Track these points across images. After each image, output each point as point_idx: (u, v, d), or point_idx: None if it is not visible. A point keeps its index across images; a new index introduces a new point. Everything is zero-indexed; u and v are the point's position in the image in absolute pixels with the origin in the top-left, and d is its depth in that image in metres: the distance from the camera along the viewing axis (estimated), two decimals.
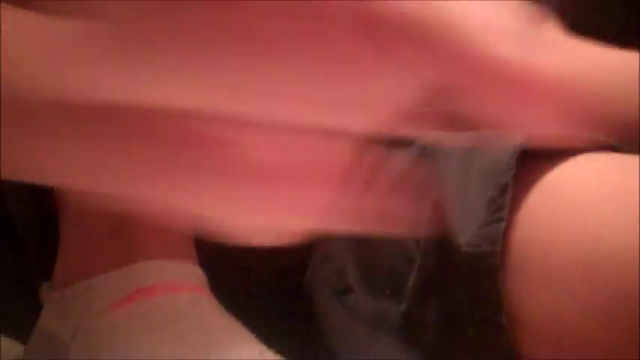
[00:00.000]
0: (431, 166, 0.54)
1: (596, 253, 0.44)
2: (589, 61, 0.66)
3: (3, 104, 0.21)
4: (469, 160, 0.52)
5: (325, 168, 0.23)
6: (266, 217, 0.24)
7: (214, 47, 0.20)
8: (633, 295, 0.42)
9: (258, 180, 0.22)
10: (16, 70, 0.21)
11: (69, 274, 0.57)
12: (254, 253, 0.62)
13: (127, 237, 0.55)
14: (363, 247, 0.58)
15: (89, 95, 0.21)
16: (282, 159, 0.22)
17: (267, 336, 0.52)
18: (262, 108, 0.21)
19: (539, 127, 0.21)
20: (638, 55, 0.62)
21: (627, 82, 0.62)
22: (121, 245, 0.55)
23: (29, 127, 0.22)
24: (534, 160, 0.49)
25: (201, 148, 0.22)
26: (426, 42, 0.20)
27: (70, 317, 0.54)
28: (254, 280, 0.62)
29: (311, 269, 0.61)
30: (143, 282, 0.54)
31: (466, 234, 0.48)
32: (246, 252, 0.62)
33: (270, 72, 0.20)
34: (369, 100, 0.21)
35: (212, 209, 0.23)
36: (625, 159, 0.48)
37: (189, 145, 0.22)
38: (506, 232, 0.47)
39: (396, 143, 0.60)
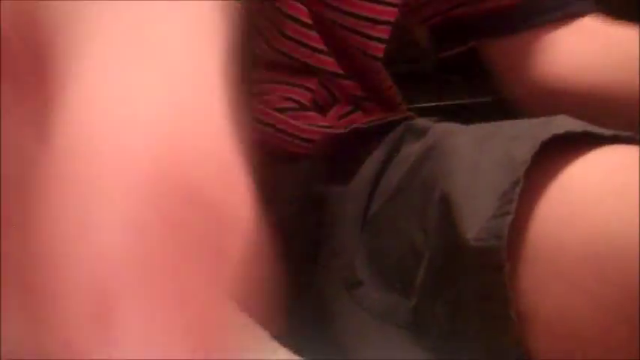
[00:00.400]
0: (440, 159, 0.54)
1: (607, 247, 0.44)
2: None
3: None
4: (480, 153, 0.52)
5: None
6: None
7: None
8: None
9: None
10: None
11: None
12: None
13: None
14: (372, 241, 0.58)
15: None
16: None
17: (278, 332, 0.52)
18: None
19: None
20: None
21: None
22: None
23: None
24: (553, 155, 0.49)
25: None
26: None
27: None
28: None
29: (321, 264, 0.61)
30: None
31: (474, 228, 0.48)
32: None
33: None
34: None
35: None
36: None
37: None
38: (518, 226, 0.47)
39: (407, 136, 0.61)
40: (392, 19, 0.64)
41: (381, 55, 0.65)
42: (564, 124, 0.50)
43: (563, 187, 0.48)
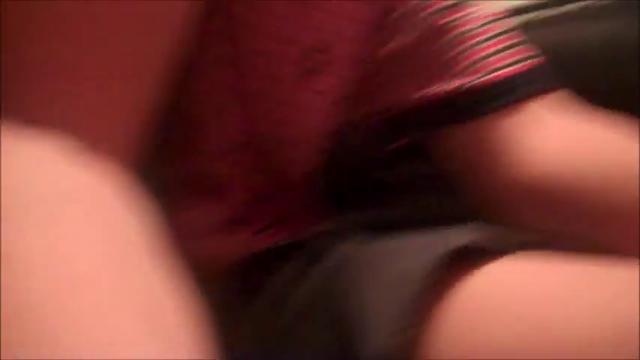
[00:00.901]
0: (347, 276, 0.54)
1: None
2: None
3: None
4: (386, 269, 0.52)
5: None
6: None
7: None
8: None
9: None
10: None
11: None
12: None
13: None
14: None
15: None
16: None
17: None
18: None
19: None
20: None
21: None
22: None
23: None
24: (457, 266, 0.49)
25: None
26: None
27: None
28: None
29: None
30: None
31: (375, 344, 0.47)
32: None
33: None
34: None
35: None
36: (541, 263, 0.50)
37: None
38: (420, 340, 0.47)
39: (318, 253, 0.59)
40: (327, 130, 0.63)
41: (315, 166, 0.64)
42: (467, 235, 0.50)
43: (465, 301, 0.48)
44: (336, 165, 0.65)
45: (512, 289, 0.48)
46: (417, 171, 0.72)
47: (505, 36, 0.68)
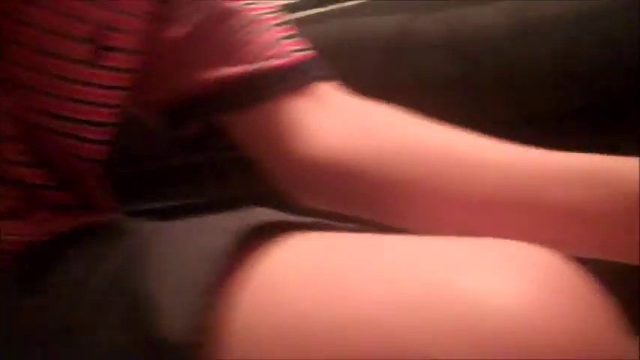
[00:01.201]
0: (144, 259, 0.52)
1: (305, 334, 0.43)
2: None
3: None
4: (183, 248, 0.50)
5: None
6: None
7: None
8: None
9: None
10: None
11: None
12: None
13: None
14: (73, 357, 0.53)
15: None
16: None
17: None
18: None
19: None
20: None
21: None
22: None
23: None
24: (254, 245, 0.48)
25: None
26: None
27: None
28: None
29: None
30: None
31: (172, 325, 0.45)
32: None
33: None
34: None
35: None
36: (334, 238, 0.49)
37: None
38: (221, 318, 0.45)
39: (112, 238, 0.57)
40: (109, 120, 0.62)
41: (98, 157, 0.62)
42: (262, 215, 0.50)
43: (262, 277, 0.47)
44: (123, 154, 0.65)
45: (308, 263, 0.47)
46: (208, 158, 0.77)
47: (288, 25, 0.70)
